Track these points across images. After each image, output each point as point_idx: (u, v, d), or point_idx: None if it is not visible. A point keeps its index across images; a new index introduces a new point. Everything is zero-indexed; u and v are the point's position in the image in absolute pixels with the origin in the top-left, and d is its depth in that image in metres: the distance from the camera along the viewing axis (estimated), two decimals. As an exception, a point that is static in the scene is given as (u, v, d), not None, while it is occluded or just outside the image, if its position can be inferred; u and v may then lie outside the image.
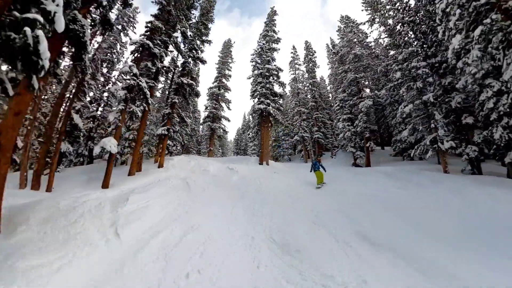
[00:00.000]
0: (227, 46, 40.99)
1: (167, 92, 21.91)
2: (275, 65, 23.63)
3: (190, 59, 19.02)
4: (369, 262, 4.24)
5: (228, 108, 36.21)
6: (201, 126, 41.43)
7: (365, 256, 4.44)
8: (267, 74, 21.27)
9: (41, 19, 2.86)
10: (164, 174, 12.85)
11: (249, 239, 4.81)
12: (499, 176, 13.87)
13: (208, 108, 34.86)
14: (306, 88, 39.90)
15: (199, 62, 19.59)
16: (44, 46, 2.87)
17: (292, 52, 41.37)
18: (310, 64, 39.64)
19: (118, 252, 4.20)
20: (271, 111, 19.64)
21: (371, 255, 4.53)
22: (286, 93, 45.55)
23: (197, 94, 18.09)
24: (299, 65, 40.33)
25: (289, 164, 26.63)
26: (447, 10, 11.13)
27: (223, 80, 37.72)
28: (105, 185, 11.13)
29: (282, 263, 4.04)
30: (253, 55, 24.11)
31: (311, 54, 40.76)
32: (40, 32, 2.80)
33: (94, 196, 7.71)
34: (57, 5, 3.15)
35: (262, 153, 19.00)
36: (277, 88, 22.09)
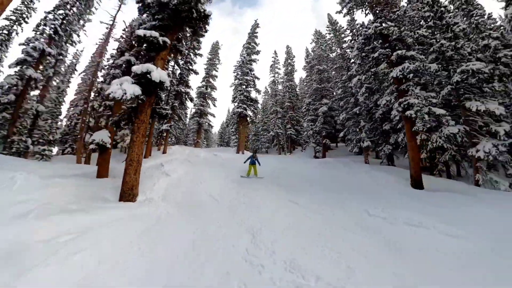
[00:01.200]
0: (215, 48, 46.48)
1: (164, 95, 28.49)
2: (253, 74, 30.88)
3: (185, 71, 25.83)
4: (272, 190, 11.60)
5: (214, 105, 43.05)
6: (187, 120, 47.59)
7: (272, 189, 11.80)
8: (245, 84, 28.49)
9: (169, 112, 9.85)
10: (170, 157, 19.84)
11: (224, 179, 12.09)
12: (405, 168, 21.70)
13: (196, 105, 41.39)
14: (284, 89, 46.78)
15: (193, 73, 26.42)
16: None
17: (273, 57, 48.11)
18: (289, 68, 46.81)
19: (173, 180, 11.32)
20: (247, 113, 26.98)
21: (277, 189, 11.89)
22: (269, 91, 52.41)
23: (192, 100, 25.10)
24: (279, 68, 47.40)
25: (263, 155, 34.12)
26: (353, 60, 18.70)
27: (210, 80, 43.58)
28: (133, 162, 18.04)
29: (235, 185, 11.33)
30: (235, 66, 31.24)
31: (290, 58, 47.81)
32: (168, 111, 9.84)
33: (139, 165, 14.71)
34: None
35: (239, 145, 26.40)
36: (253, 95, 29.41)
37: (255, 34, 34.57)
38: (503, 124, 14.26)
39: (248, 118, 27.65)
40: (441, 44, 16.01)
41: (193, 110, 41.63)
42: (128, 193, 7.62)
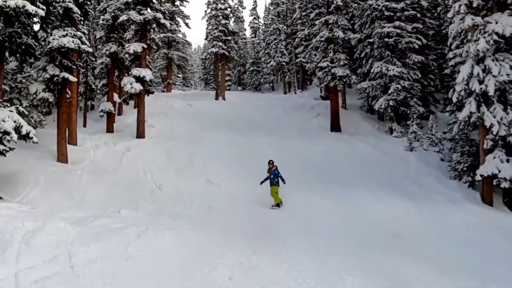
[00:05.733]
0: None
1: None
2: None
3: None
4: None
5: (188, 26, 60.15)
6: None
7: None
8: (219, 14, 52.59)
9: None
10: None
11: (191, 126, 38.56)
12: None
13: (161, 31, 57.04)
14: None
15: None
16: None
17: None
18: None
19: (157, 129, 37.94)
20: (225, 52, 51.57)
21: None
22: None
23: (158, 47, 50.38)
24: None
25: (260, 95, 59.36)
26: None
27: (180, -14, 59.43)
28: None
29: (197, 128, 37.84)
30: (208, -12, 54.86)
31: None
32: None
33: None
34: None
35: (218, 90, 51.84)
36: (233, 25, 53.11)
37: None
38: (401, 82, 38.72)
39: (227, 56, 51.42)
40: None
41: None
42: (141, 134, 33.64)
